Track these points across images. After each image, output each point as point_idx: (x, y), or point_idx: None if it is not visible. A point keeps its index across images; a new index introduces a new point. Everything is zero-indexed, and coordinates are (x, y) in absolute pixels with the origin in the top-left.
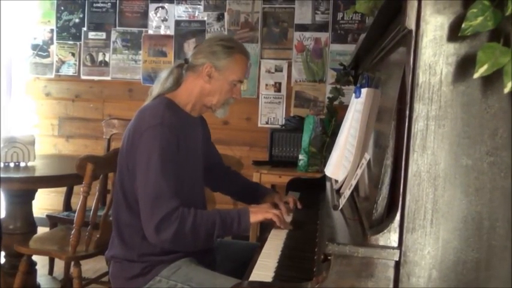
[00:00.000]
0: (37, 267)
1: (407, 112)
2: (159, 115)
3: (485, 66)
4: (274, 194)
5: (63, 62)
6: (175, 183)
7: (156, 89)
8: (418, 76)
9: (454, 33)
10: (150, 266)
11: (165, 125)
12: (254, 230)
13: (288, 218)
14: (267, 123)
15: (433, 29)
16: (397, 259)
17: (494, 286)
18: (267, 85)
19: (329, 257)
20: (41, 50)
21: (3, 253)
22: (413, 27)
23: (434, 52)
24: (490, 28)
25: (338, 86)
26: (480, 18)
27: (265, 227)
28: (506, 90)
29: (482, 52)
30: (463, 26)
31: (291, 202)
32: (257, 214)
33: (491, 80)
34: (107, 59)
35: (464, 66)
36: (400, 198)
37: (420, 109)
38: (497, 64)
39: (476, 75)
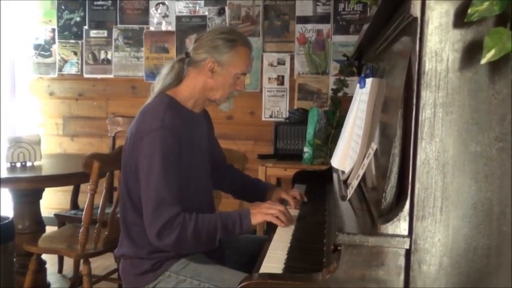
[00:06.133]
0: (47, 266)
1: (414, 100)
2: (160, 117)
3: (492, 52)
4: (278, 190)
5: (65, 61)
6: (177, 187)
7: (157, 85)
8: (425, 63)
9: (460, 19)
10: (160, 262)
11: (166, 128)
12: (261, 224)
13: (294, 212)
14: (271, 116)
15: (438, 16)
16: (408, 247)
17: (506, 272)
18: (270, 78)
19: (339, 247)
20: (43, 49)
21: None
22: (418, 14)
23: (441, 39)
24: (497, 13)
25: (342, 77)
26: (486, 3)
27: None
28: None
29: (489, 37)
30: (469, 11)
31: (296, 196)
32: (257, 216)
33: (499, 66)
34: (109, 56)
35: (471, 52)
36: (409, 187)
37: (427, 97)
38: (505, 49)
39: (483, 61)
